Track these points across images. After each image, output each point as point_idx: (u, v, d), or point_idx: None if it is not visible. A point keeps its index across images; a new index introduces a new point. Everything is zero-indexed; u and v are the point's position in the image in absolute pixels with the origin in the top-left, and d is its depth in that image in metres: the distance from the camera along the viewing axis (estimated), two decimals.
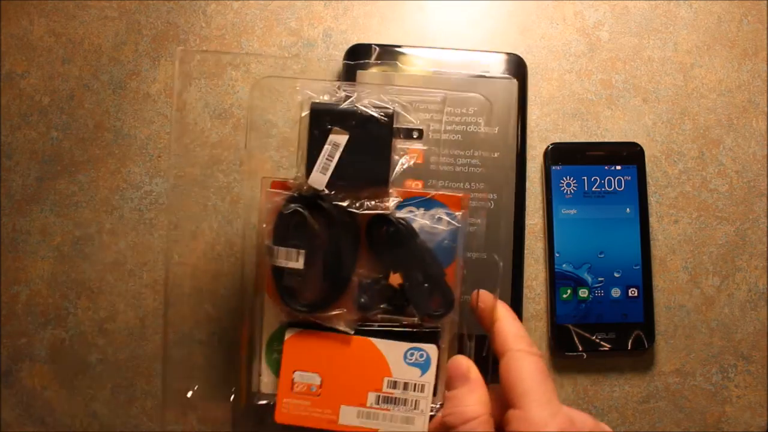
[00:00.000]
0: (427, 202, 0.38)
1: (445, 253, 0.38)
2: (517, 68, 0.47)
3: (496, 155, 0.45)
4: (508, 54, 0.47)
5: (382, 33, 0.48)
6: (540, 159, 0.47)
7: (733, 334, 0.47)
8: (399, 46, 0.47)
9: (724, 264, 0.47)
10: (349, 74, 0.46)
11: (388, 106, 0.37)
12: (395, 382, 0.37)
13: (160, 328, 0.46)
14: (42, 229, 0.46)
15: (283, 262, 0.36)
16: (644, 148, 0.47)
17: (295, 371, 0.37)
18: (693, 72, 0.49)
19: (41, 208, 0.47)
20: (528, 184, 0.47)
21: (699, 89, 0.49)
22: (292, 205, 0.36)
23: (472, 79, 0.46)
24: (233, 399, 0.39)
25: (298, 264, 0.36)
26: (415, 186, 0.43)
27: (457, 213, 0.38)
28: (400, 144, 0.37)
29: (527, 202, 0.47)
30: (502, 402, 0.33)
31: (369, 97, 0.37)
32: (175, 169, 0.47)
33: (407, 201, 0.38)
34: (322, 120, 0.36)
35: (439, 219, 0.38)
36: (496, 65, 0.47)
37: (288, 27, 0.48)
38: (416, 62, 0.46)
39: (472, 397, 0.34)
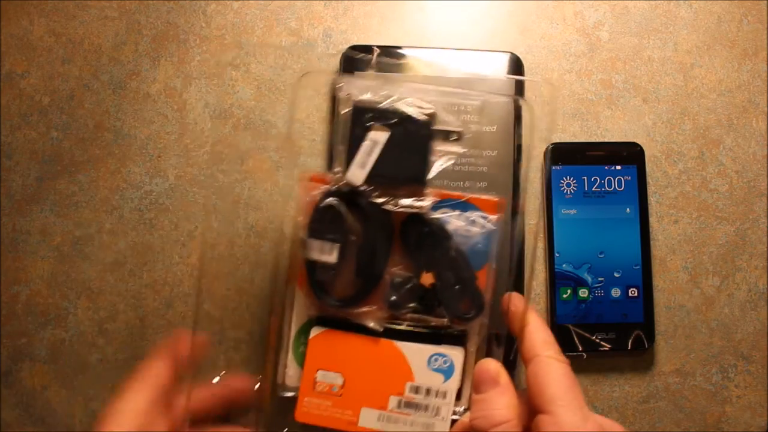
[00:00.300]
0: (462, 205, 0.38)
1: (478, 256, 0.38)
2: (514, 67, 0.47)
3: (495, 153, 0.45)
4: (504, 53, 0.47)
5: (382, 33, 0.48)
6: (540, 159, 0.47)
7: (733, 334, 0.47)
8: (396, 47, 0.47)
9: (724, 264, 0.47)
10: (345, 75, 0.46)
11: (429, 106, 0.37)
12: (417, 387, 0.37)
13: (160, 328, 0.46)
14: (42, 229, 0.46)
15: (317, 256, 0.36)
16: (644, 148, 0.47)
17: (318, 370, 0.37)
18: (693, 72, 0.49)
19: (41, 208, 0.47)
20: (528, 184, 0.47)
21: (699, 89, 0.49)
22: (329, 199, 0.36)
23: (468, 80, 0.46)
24: (258, 387, 0.38)
25: (332, 258, 0.36)
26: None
27: (491, 216, 0.38)
28: (438, 145, 0.37)
29: (527, 202, 0.47)
30: (529, 407, 0.33)
31: (411, 95, 0.37)
32: (175, 169, 0.47)
33: (442, 202, 0.38)
34: (363, 117, 0.37)
35: (474, 222, 0.38)
36: (493, 64, 0.47)
37: (288, 27, 0.48)
38: (413, 63, 0.46)
39: (502, 401, 0.33)
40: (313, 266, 0.37)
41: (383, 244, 0.37)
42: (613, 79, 0.49)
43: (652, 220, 0.47)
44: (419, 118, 0.37)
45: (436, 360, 0.37)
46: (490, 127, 0.46)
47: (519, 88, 0.46)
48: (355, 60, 0.46)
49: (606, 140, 0.48)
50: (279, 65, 0.48)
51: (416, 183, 0.37)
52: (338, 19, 0.48)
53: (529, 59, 0.48)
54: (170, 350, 0.36)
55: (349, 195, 0.36)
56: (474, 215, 0.38)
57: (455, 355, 0.37)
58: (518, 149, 0.46)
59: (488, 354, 0.38)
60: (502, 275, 0.44)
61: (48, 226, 0.46)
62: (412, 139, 0.37)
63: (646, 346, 0.46)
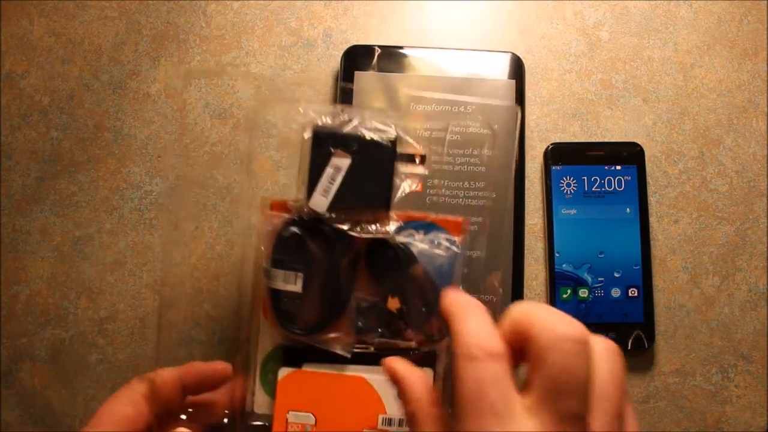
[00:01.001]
0: (427, 226, 0.38)
1: (444, 277, 0.38)
2: (515, 67, 0.47)
3: (494, 154, 0.45)
4: (505, 53, 0.47)
5: (382, 33, 0.48)
6: (540, 159, 0.47)
7: (733, 334, 0.47)
8: (397, 47, 0.47)
9: (724, 264, 0.47)
10: (346, 75, 0.46)
11: (392, 130, 0.37)
12: (390, 420, 0.37)
13: (160, 328, 0.46)
14: (42, 229, 0.46)
15: (281, 285, 0.36)
16: (644, 148, 0.47)
17: (289, 411, 0.37)
18: (693, 72, 0.49)
19: (41, 208, 0.47)
20: (528, 184, 0.47)
21: (699, 89, 0.49)
22: (291, 228, 0.36)
23: (469, 80, 0.46)
24: (228, 421, 0.38)
25: (296, 287, 0.36)
26: (415, 186, 0.43)
27: (456, 238, 0.38)
28: (402, 168, 0.37)
29: (527, 202, 0.47)
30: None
31: (372, 120, 0.37)
32: (175, 169, 0.47)
33: (407, 224, 0.38)
34: (324, 143, 0.36)
35: (439, 244, 0.38)
36: (494, 65, 0.47)
37: (288, 27, 0.48)
38: (414, 63, 0.46)
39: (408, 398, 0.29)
40: (277, 295, 0.36)
41: (348, 270, 0.37)
42: (613, 79, 0.49)
43: (652, 220, 0.47)
44: (382, 142, 0.36)
45: None
46: (490, 128, 0.46)
47: (520, 89, 0.46)
48: (355, 59, 0.46)
49: (606, 140, 0.48)
50: (279, 65, 0.48)
51: (380, 208, 0.36)
52: (338, 19, 0.48)
53: (529, 59, 0.48)
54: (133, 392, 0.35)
55: (312, 222, 0.36)
56: (439, 237, 0.38)
57: None
58: (519, 150, 0.46)
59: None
60: (502, 276, 0.45)
61: (48, 226, 0.46)
62: (375, 164, 0.36)
63: (646, 346, 0.46)
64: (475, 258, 0.44)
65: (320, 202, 0.36)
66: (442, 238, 0.38)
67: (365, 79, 0.46)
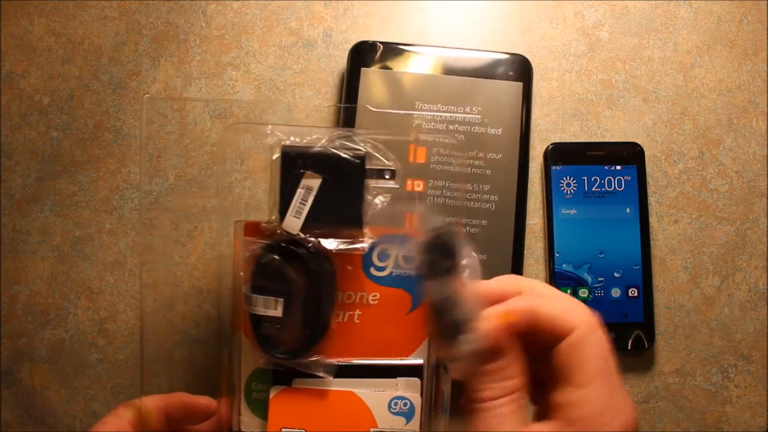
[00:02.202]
0: (401, 239, 0.38)
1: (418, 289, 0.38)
2: (522, 70, 0.47)
3: (499, 156, 0.45)
4: (513, 55, 0.47)
5: (382, 33, 0.48)
6: (540, 159, 0.47)
7: (733, 334, 0.47)
8: (404, 45, 0.46)
9: (724, 264, 0.47)
10: (352, 72, 0.46)
11: (359, 147, 0.37)
12: None
13: (160, 328, 0.46)
14: (42, 229, 0.46)
15: (261, 311, 0.36)
16: (644, 148, 0.47)
17: (282, 428, 0.37)
18: (693, 72, 0.49)
19: (41, 208, 0.47)
20: (528, 184, 0.47)
21: (699, 89, 0.49)
22: (269, 253, 0.36)
23: (476, 81, 0.46)
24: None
25: (277, 312, 0.36)
26: (416, 186, 0.43)
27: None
28: (373, 184, 0.37)
29: (527, 202, 0.47)
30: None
31: (340, 138, 0.37)
32: (175, 169, 0.47)
33: (381, 239, 0.38)
34: (294, 163, 0.36)
35: (410, 259, 0.38)
36: (501, 67, 0.46)
37: (288, 27, 0.48)
38: (421, 61, 0.46)
39: (515, 369, 0.31)
40: (258, 320, 0.36)
41: (328, 292, 0.37)
42: (613, 79, 0.49)
43: (652, 220, 0.47)
44: (351, 159, 0.36)
45: (396, 404, 0.37)
46: (495, 129, 0.46)
47: (526, 92, 0.46)
48: (362, 56, 0.46)
49: (606, 140, 0.48)
50: (279, 65, 0.48)
51: (353, 225, 0.36)
52: (338, 19, 0.48)
53: (529, 59, 0.48)
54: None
55: (288, 246, 0.36)
56: (411, 250, 0.38)
57: (414, 397, 0.37)
58: (523, 153, 0.46)
59: (437, 382, 0.38)
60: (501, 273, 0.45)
61: (48, 226, 0.46)
62: (346, 181, 0.36)
63: (646, 346, 0.46)
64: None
65: (293, 223, 0.36)
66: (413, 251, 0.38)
67: (371, 76, 0.46)
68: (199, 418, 0.37)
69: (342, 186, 0.36)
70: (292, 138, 0.37)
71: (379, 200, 0.38)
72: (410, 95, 0.45)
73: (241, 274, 0.37)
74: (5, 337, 0.46)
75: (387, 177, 0.38)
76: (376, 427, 0.37)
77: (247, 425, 0.38)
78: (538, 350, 0.31)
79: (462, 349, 0.31)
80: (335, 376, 0.37)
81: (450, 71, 0.46)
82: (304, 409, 0.37)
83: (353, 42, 0.47)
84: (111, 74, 0.48)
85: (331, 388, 0.37)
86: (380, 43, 0.46)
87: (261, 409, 0.37)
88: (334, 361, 0.37)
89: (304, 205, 0.36)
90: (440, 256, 0.33)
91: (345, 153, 0.36)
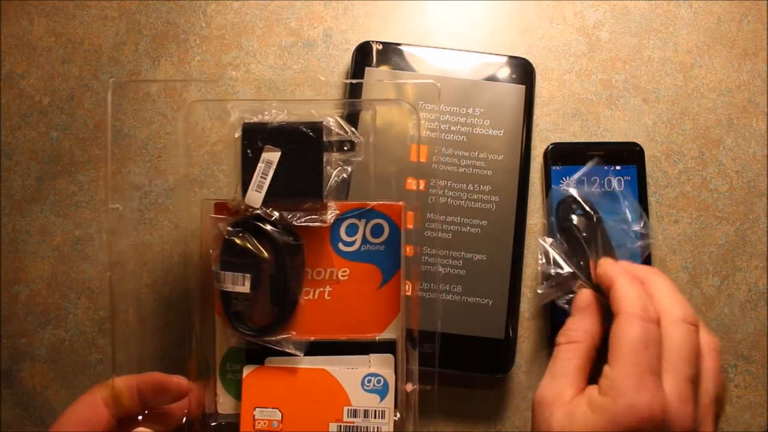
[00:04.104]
0: (367, 213, 0.38)
1: (390, 262, 0.38)
2: (525, 72, 0.47)
3: (500, 158, 0.45)
4: (516, 58, 0.47)
5: (382, 33, 0.48)
6: (540, 159, 0.47)
7: (733, 334, 0.47)
8: (409, 45, 0.46)
9: (724, 264, 0.47)
10: (357, 71, 0.46)
11: (317, 119, 0.37)
12: (355, 411, 0.37)
13: (160, 328, 0.46)
14: (42, 229, 0.46)
15: (229, 287, 0.36)
16: (644, 148, 0.47)
17: (255, 408, 0.37)
18: (693, 72, 0.49)
19: (41, 208, 0.47)
20: (528, 185, 0.47)
21: (699, 89, 0.49)
22: (236, 229, 0.36)
23: (479, 83, 0.46)
24: (186, 422, 0.38)
25: (245, 288, 0.36)
26: (417, 184, 0.43)
27: (398, 223, 0.38)
28: (334, 156, 0.38)
29: (527, 202, 0.47)
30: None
31: (299, 112, 0.38)
32: (175, 169, 0.47)
33: (347, 213, 0.38)
34: (254, 139, 0.37)
35: (380, 228, 0.38)
36: (505, 69, 0.46)
37: (288, 27, 0.48)
38: (424, 62, 0.46)
39: (581, 324, 0.37)
40: (228, 297, 0.37)
41: (295, 266, 0.37)
42: (613, 79, 0.49)
43: (652, 220, 0.47)
44: (308, 132, 0.37)
45: (369, 381, 0.37)
46: (497, 131, 0.46)
47: (529, 95, 0.46)
48: (367, 56, 0.46)
49: (606, 140, 0.48)
50: (279, 65, 0.48)
51: (314, 197, 0.37)
52: (338, 19, 0.48)
53: (529, 59, 0.48)
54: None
55: (254, 222, 0.36)
56: (381, 222, 0.38)
57: (388, 374, 0.37)
58: (525, 154, 0.46)
59: (408, 358, 0.38)
60: (500, 274, 0.45)
61: (48, 226, 0.46)
62: (305, 154, 0.37)
63: None
64: (477, 261, 0.44)
65: (255, 197, 0.36)
66: (383, 223, 0.38)
67: (375, 76, 0.46)
68: (172, 397, 0.37)
69: (301, 158, 0.37)
70: (259, 116, 0.37)
71: (340, 172, 0.38)
72: (413, 95, 0.45)
73: (211, 252, 0.37)
74: (5, 337, 0.46)
75: (346, 149, 0.38)
76: (350, 405, 0.37)
77: (223, 407, 0.38)
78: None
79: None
80: (306, 354, 0.37)
81: (453, 73, 0.46)
82: (277, 388, 0.37)
83: (353, 42, 0.47)
84: (111, 74, 0.48)
85: (303, 367, 0.37)
86: (385, 43, 0.46)
87: (237, 390, 0.38)
88: (305, 338, 0.37)
89: (265, 178, 0.36)
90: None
91: (303, 126, 0.37)
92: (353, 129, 0.38)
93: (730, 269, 0.47)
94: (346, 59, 0.48)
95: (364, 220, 0.38)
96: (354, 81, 0.46)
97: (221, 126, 0.47)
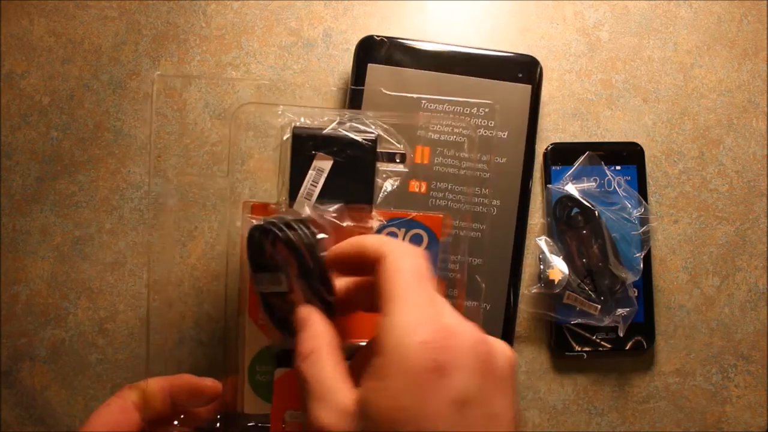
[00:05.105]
0: (408, 223, 0.38)
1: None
2: (532, 71, 0.46)
3: (503, 161, 0.45)
4: (523, 56, 0.46)
5: (381, 33, 0.48)
6: (540, 159, 0.47)
7: (733, 334, 0.47)
8: (413, 41, 0.46)
9: (724, 264, 0.47)
10: (359, 68, 0.45)
11: (371, 130, 0.37)
12: None
13: (160, 328, 0.46)
14: (42, 229, 0.46)
15: (268, 288, 0.35)
16: (644, 148, 0.47)
17: (286, 410, 0.37)
18: (693, 72, 0.49)
19: (41, 208, 0.47)
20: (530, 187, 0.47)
21: (699, 89, 0.49)
22: (267, 228, 0.34)
23: (484, 81, 0.45)
24: (220, 425, 0.38)
25: (283, 287, 0.35)
26: (419, 186, 0.43)
27: (437, 234, 0.38)
28: (383, 167, 0.37)
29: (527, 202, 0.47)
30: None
31: (351, 121, 0.37)
32: (175, 169, 0.47)
33: (389, 222, 0.38)
34: (304, 145, 0.36)
35: (419, 238, 0.38)
36: (511, 68, 0.46)
37: (288, 27, 0.48)
38: (429, 59, 0.45)
39: (308, 334, 0.30)
40: (268, 302, 0.35)
41: (319, 265, 0.36)
42: (613, 79, 0.49)
43: (652, 219, 0.47)
44: (362, 142, 0.36)
45: None
46: (502, 133, 0.45)
47: (535, 95, 0.46)
48: (370, 51, 0.45)
49: (606, 140, 0.48)
50: (279, 65, 0.48)
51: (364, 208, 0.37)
52: (338, 19, 0.48)
53: (533, 55, 0.48)
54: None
55: (279, 224, 0.35)
56: (418, 233, 0.38)
57: None
58: (529, 157, 0.45)
59: None
60: (498, 278, 0.45)
61: (48, 226, 0.46)
62: (356, 164, 0.36)
63: (646, 346, 0.46)
64: (475, 265, 0.44)
65: (304, 204, 0.36)
66: (422, 233, 0.38)
67: (378, 72, 0.45)
68: (203, 400, 0.37)
69: (353, 168, 0.36)
70: (302, 119, 0.37)
71: (389, 183, 0.38)
72: (417, 92, 0.45)
73: (244, 254, 0.36)
74: (5, 337, 0.46)
75: (397, 161, 0.38)
76: None
77: (250, 407, 0.38)
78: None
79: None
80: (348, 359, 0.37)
81: (459, 70, 0.45)
82: None
83: (353, 42, 0.47)
84: (111, 74, 0.48)
85: None
86: (388, 38, 0.45)
87: (265, 391, 0.37)
88: (353, 342, 0.36)
89: (315, 186, 0.36)
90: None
91: (356, 135, 0.36)
92: (403, 141, 0.38)
93: (730, 269, 0.47)
94: (346, 59, 0.48)
95: (404, 230, 0.38)
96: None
97: (222, 126, 0.47)
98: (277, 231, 0.34)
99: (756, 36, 0.49)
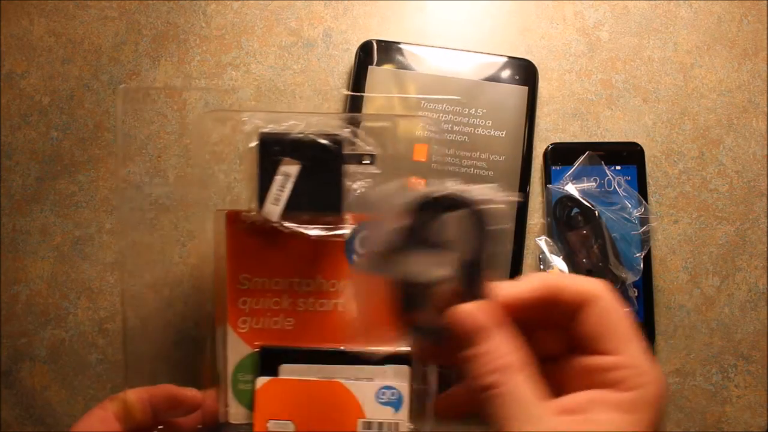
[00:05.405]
0: (383, 225, 0.38)
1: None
2: (528, 74, 0.47)
3: (502, 159, 0.45)
4: (520, 59, 0.47)
5: (381, 33, 0.48)
6: (540, 159, 0.47)
7: (733, 334, 0.47)
8: (413, 44, 0.46)
9: (724, 264, 0.47)
10: (360, 70, 0.46)
11: (337, 132, 0.36)
12: (369, 423, 0.37)
13: (160, 328, 0.46)
14: (42, 229, 0.46)
15: (428, 272, 0.30)
16: (644, 148, 0.47)
17: (268, 420, 0.37)
18: (693, 72, 0.49)
19: (41, 208, 0.47)
20: (528, 185, 0.47)
21: (699, 89, 0.49)
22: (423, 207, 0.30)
23: (482, 83, 0.46)
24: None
25: (446, 272, 0.30)
26: (418, 183, 0.43)
27: None
28: (352, 169, 0.37)
29: (527, 202, 0.47)
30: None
31: (318, 125, 0.37)
32: (175, 169, 0.47)
33: (364, 225, 0.37)
34: (271, 150, 0.36)
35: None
36: (508, 70, 0.46)
37: (288, 27, 0.48)
38: (428, 62, 0.46)
39: (492, 344, 0.28)
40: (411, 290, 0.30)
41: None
42: (613, 79, 0.49)
43: (652, 219, 0.47)
44: (328, 145, 0.36)
45: (383, 393, 0.37)
46: (499, 132, 0.46)
47: (531, 96, 0.46)
48: (370, 54, 0.46)
49: (606, 140, 0.48)
50: (279, 65, 0.48)
51: (333, 211, 0.36)
52: (338, 19, 0.48)
53: (532, 60, 0.48)
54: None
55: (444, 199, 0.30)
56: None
57: (402, 386, 0.37)
58: (527, 155, 0.46)
59: (424, 370, 0.37)
60: (500, 278, 0.45)
61: (48, 226, 0.46)
62: (324, 167, 0.36)
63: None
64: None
65: (272, 210, 0.35)
66: None
67: (378, 75, 0.46)
68: (185, 410, 0.37)
69: (321, 172, 0.36)
70: (270, 126, 0.36)
71: (359, 185, 0.37)
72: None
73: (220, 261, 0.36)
74: (5, 337, 0.46)
75: (367, 162, 0.38)
76: (364, 418, 0.37)
77: (235, 417, 0.38)
78: (552, 323, 0.30)
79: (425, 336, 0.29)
80: (322, 364, 0.37)
81: (457, 73, 0.46)
82: (291, 400, 0.37)
83: (353, 42, 0.47)
84: (111, 74, 0.48)
85: (317, 378, 0.37)
86: (388, 42, 0.46)
87: (248, 400, 0.37)
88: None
89: (282, 191, 0.35)
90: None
91: (323, 138, 0.36)
92: (372, 141, 0.38)
93: (730, 269, 0.47)
94: (346, 59, 0.48)
95: (379, 232, 0.38)
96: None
97: (222, 126, 0.47)
98: (466, 203, 0.29)
99: (756, 36, 0.49)
